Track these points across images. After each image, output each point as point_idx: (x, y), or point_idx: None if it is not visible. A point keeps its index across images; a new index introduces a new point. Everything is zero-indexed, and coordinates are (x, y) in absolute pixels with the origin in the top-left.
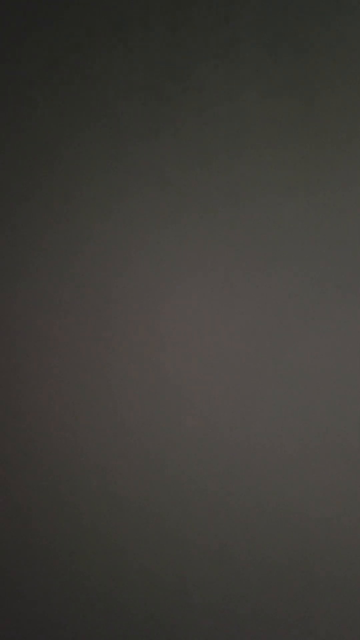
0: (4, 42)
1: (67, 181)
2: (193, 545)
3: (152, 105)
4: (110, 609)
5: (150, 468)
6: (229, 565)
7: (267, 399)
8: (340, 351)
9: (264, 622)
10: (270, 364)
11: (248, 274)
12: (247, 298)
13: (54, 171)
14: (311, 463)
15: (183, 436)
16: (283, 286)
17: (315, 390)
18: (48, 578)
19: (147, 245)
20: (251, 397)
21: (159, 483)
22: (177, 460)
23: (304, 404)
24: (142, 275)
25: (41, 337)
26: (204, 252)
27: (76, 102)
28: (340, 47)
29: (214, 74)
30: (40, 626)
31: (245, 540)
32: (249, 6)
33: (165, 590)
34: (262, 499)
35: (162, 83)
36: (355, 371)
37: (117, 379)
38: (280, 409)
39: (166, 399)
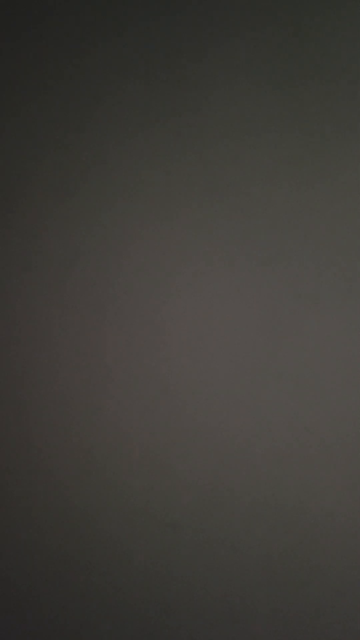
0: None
1: (65, 172)
2: (192, 541)
3: (151, 96)
4: (106, 600)
5: (149, 461)
6: (229, 556)
7: (268, 392)
8: (344, 346)
9: (265, 613)
10: (271, 357)
11: (249, 266)
12: (248, 290)
13: (52, 162)
14: (312, 458)
15: (182, 429)
16: (285, 278)
17: (317, 384)
18: (45, 571)
19: (146, 237)
20: (251, 391)
21: (159, 477)
22: (176, 452)
23: (304, 396)
24: (141, 267)
25: (40, 331)
26: (204, 243)
27: (73, 93)
28: (342, 37)
29: (214, 64)
30: (37, 621)
31: (245, 533)
32: None
33: (164, 582)
34: (262, 492)
35: (161, 72)
36: (356, 365)
37: (116, 373)
38: (280, 401)
39: (166, 393)
